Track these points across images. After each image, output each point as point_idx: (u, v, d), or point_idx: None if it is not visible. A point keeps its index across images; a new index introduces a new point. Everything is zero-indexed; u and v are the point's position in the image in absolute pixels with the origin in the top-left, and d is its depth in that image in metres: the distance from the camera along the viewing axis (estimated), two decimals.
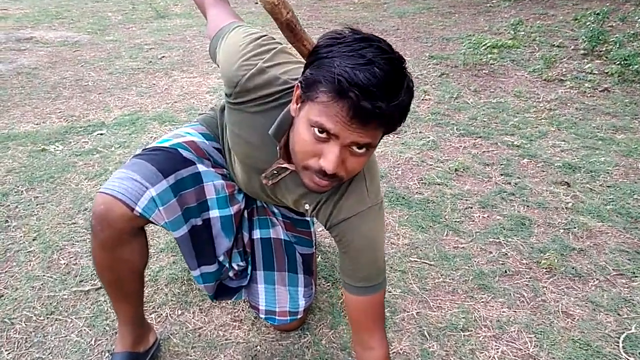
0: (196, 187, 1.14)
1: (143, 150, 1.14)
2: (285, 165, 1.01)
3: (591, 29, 3.79)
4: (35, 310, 1.52)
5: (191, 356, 1.36)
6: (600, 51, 3.77)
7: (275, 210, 1.36)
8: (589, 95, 3.13)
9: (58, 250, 1.78)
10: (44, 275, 1.66)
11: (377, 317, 1.05)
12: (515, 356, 1.35)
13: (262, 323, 1.47)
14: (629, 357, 1.34)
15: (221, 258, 1.24)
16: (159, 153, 1.12)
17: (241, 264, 1.30)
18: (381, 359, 1.03)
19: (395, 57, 0.78)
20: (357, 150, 0.81)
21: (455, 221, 1.93)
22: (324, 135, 0.79)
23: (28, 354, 1.37)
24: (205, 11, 1.18)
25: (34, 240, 1.83)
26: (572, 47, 4.03)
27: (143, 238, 1.14)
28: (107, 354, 1.36)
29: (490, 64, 3.76)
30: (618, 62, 3.34)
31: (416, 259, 1.73)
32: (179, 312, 1.51)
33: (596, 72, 3.45)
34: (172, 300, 1.56)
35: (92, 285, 1.61)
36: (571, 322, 1.46)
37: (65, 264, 1.72)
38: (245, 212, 1.30)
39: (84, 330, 1.45)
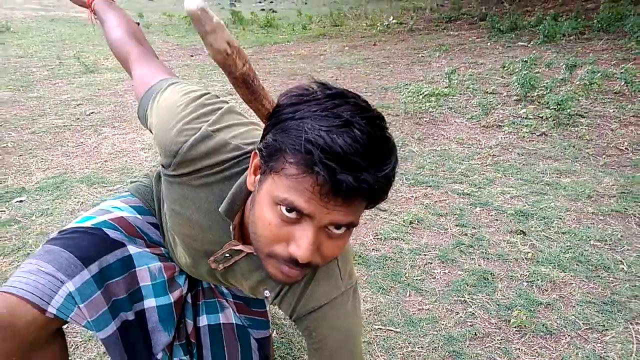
0: (126, 273, 0.95)
1: (59, 233, 0.94)
2: (240, 247, 0.84)
3: (522, 75, 3.94)
4: None
5: None
6: (533, 96, 3.91)
7: (225, 291, 1.18)
8: (528, 140, 3.19)
9: None
10: None
11: None
12: None
13: None
14: None
15: (159, 355, 1.03)
16: (78, 236, 0.92)
17: (184, 358, 1.10)
18: None
19: (375, 115, 0.65)
20: (336, 231, 0.67)
21: (417, 279, 1.81)
22: (293, 215, 0.64)
23: None
24: (130, 68, 1.01)
25: None
26: (505, 93, 4.17)
27: (60, 342, 0.93)
28: None
29: (430, 112, 3.80)
30: (552, 107, 3.46)
31: (381, 326, 1.58)
32: None
33: (531, 117, 3.55)
34: None
35: None
36: None
37: None
38: (189, 296, 1.11)
39: None
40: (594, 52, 5.59)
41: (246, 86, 0.72)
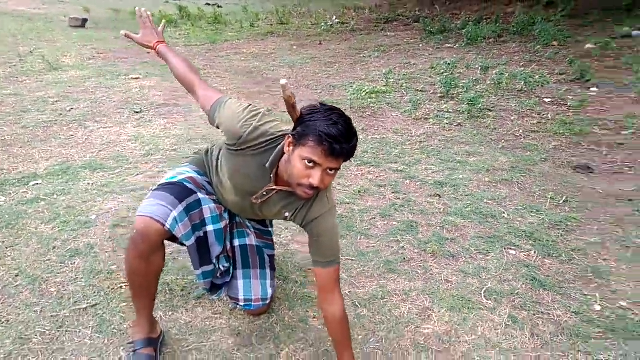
0: (198, 209, 1.62)
1: (159, 185, 1.59)
2: (274, 187, 1.53)
3: (445, 76, 4.79)
4: (45, 327, 1.83)
5: (189, 340, 1.79)
6: (453, 94, 4.77)
7: (249, 224, 1.86)
8: (447, 129, 4.02)
9: (44, 282, 2.08)
10: (40, 302, 1.96)
11: (337, 282, 1.59)
12: (417, 310, 1.98)
13: (237, 313, 1.94)
14: (488, 301, 2.03)
15: (214, 260, 1.71)
16: (172, 186, 1.58)
17: (226, 265, 1.78)
18: (341, 309, 1.57)
19: (347, 118, 1.36)
20: (330, 172, 1.37)
21: (365, 229, 2.56)
22: (311, 164, 1.34)
23: (53, 357, 1.69)
24: (195, 91, 1.63)
25: (17, 276, 2.10)
26: (432, 91, 5.02)
27: (164, 249, 1.58)
28: (121, 348, 1.74)
29: (371, 107, 4.57)
30: (466, 103, 4.31)
31: (341, 257, 2.31)
32: (170, 313, 1.93)
33: (451, 111, 4.40)
34: (161, 306, 1.96)
35: (87, 304, 1.96)
36: (450, 285, 2.13)
37: (56, 291, 2.03)
38: (228, 227, 1.78)
39: (95, 335, 1.80)
40: (508, 54, 6.56)
41: (293, 108, 1.41)
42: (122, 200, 2.83)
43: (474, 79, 5.08)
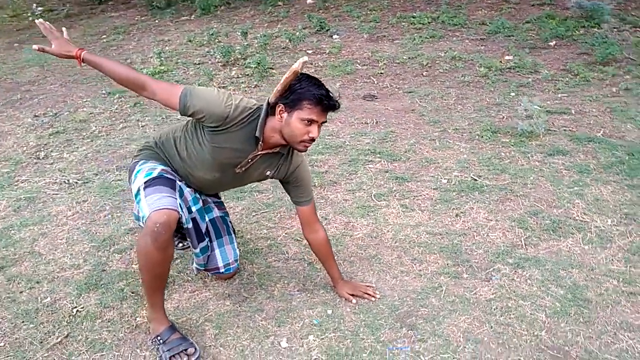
0: (183, 194, 1.75)
1: (146, 183, 1.66)
2: (258, 152, 1.74)
3: (221, 46, 5.11)
4: None
5: (193, 318, 1.91)
6: (232, 60, 5.15)
7: (210, 200, 2.01)
8: (249, 92, 4.44)
9: None
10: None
11: (316, 214, 1.95)
12: (342, 226, 2.47)
13: (212, 284, 2.10)
14: (380, 202, 2.65)
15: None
16: (159, 179, 1.67)
17: (206, 239, 1.93)
18: (323, 233, 1.94)
19: (325, 84, 1.68)
20: (322, 125, 1.68)
21: (255, 188, 2.86)
22: (309, 123, 1.62)
23: None
24: (147, 87, 1.65)
25: None
26: (210, 62, 5.29)
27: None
28: (137, 350, 1.76)
29: None
30: (254, 66, 4.77)
31: (259, 213, 2.61)
32: None
33: (240, 75, 4.80)
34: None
35: (59, 336, 1.84)
36: (349, 202, 2.68)
37: (7, 343, 1.82)
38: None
39: (96, 357, 1.75)
40: (248, 19, 7.16)
41: (295, 76, 1.62)
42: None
43: (245, 44, 5.53)
